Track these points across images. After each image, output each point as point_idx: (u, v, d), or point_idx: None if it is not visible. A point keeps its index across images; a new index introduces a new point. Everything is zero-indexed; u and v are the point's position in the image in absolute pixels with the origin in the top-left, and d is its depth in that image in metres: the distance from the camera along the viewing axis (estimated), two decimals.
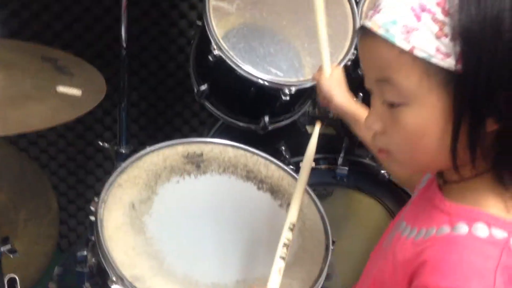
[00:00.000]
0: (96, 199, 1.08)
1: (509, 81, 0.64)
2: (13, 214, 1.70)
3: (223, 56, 1.35)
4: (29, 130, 0.92)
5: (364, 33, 0.72)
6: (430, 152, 0.72)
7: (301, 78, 1.39)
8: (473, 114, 0.66)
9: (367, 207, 1.71)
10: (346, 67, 1.47)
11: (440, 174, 0.80)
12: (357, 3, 1.52)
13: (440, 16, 0.65)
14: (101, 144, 1.61)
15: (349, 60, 1.46)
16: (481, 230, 0.70)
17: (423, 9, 0.66)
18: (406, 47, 0.66)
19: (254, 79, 1.35)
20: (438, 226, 0.74)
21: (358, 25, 1.49)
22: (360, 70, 1.48)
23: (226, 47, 1.36)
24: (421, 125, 0.70)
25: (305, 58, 1.44)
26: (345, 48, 1.46)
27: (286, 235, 0.97)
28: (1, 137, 1.79)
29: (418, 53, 0.66)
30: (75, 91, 1.02)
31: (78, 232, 2.11)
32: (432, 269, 0.70)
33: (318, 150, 1.65)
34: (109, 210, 1.08)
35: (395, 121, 0.72)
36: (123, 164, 1.18)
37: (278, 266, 0.95)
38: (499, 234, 0.69)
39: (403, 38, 0.67)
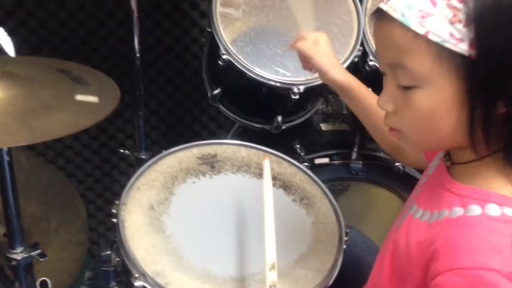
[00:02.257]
0: (117, 202, 1.14)
1: None
2: (44, 223, 1.77)
3: (232, 60, 1.40)
4: (55, 137, 0.96)
5: (379, 17, 0.74)
6: (440, 132, 0.75)
7: (309, 77, 1.43)
8: (485, 97, 0.69)
9: (384, 200, 1.73)
10: (354, 64, 1.52)
11: (447, 156, 0.83)
12: (360, 1, 1.56)
13: (455, 2, 0.67)
14: (122, 151, 1.67)
15: (355, 56, 1.50)
16: (493, 210, 0.72)
17: None
18: (420, 31, 0.68)
19: (263, 80, 1.40)
20: (450, 208, 0.76)
21: (362, 22, 1.53)
22: (368, 66, 1.52)
23: (234, 51, 1.41)
24: (432, 107, 0.72)
25: None
26: (351, 45, 1.50)
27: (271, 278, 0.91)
28: (30, 149, 1.87)
29: (432, 37, 0.68)
30: (92, 98, 1.08)
31: (107, 238, 2.18)
32: (451, 250, 0.72)
33: (332, 146, 1.70)
34: (130, 212, 1.14)
35: (407, 102, 0.74)
36: (141, 168, 1.23)
37: None
38: (511, 213, 0.72)
39: (418, 23, 0.68)
